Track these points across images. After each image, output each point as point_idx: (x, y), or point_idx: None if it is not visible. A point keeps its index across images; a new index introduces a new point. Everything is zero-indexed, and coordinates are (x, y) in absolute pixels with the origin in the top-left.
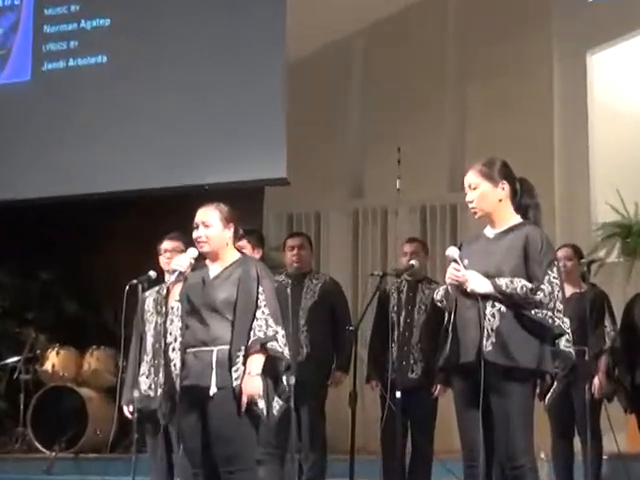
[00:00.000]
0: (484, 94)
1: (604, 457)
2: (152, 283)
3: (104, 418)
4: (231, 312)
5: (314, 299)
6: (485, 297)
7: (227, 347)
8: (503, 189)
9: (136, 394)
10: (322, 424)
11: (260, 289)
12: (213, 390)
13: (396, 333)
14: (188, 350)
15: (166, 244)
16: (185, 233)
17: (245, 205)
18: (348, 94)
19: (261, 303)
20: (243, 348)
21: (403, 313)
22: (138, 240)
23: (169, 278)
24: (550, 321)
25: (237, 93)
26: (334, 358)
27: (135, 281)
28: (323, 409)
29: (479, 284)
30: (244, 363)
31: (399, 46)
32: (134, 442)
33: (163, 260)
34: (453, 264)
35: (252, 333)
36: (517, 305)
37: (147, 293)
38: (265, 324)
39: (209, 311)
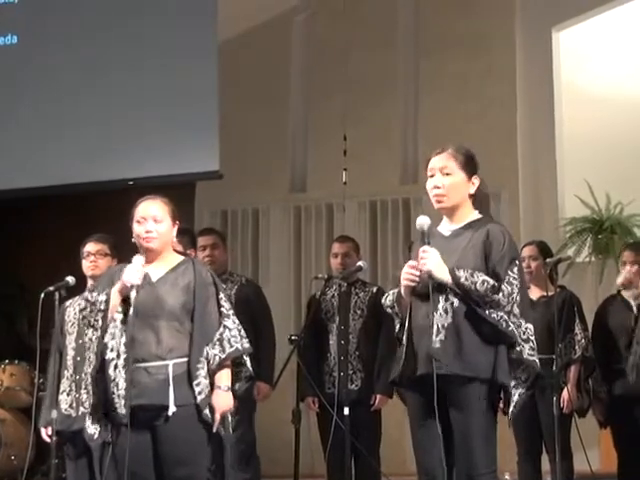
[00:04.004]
0: (439, 74)
1: (574, 477)
2: (71, 290)
3: (19, 442)
4: (187, 321)
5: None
6: (439, 289)
7: (184, 360)
8: (474, 184)
9: (54, 414)
10: (252, 439)
11: (221, 295)
12: (172, 409)
13: (331, 342)
14: (137, 365)
15: (89, 247)
16: (109, 233)
17: (175, 202)
18: (288, 77)
19: (228, 311)
20: (202, 360)
21: (337, 320)
22: (55, 242)
23: (120, 288)
24: (504, 324)
25: (165, 78)
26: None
27: (52, 288)
28: (252, 422)
29: (438, 268)
30: (206, 376)
31: (345, 20)
32: (52, 468)
33: (86, 264)
34: (417, 257)
35: (227, 344)
36: (473, 301)
37: (67, 303)
38: (239, 335)
39: (162, 320)
